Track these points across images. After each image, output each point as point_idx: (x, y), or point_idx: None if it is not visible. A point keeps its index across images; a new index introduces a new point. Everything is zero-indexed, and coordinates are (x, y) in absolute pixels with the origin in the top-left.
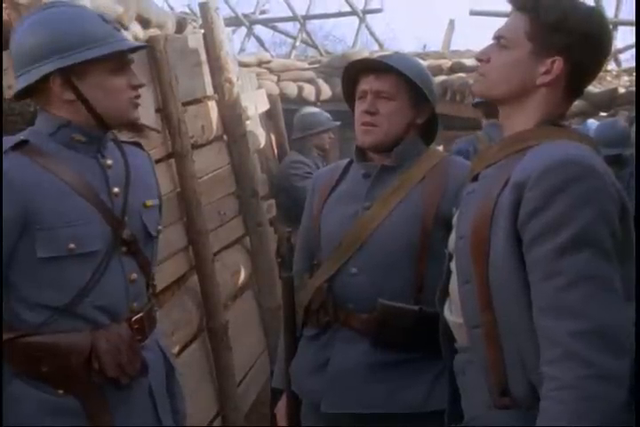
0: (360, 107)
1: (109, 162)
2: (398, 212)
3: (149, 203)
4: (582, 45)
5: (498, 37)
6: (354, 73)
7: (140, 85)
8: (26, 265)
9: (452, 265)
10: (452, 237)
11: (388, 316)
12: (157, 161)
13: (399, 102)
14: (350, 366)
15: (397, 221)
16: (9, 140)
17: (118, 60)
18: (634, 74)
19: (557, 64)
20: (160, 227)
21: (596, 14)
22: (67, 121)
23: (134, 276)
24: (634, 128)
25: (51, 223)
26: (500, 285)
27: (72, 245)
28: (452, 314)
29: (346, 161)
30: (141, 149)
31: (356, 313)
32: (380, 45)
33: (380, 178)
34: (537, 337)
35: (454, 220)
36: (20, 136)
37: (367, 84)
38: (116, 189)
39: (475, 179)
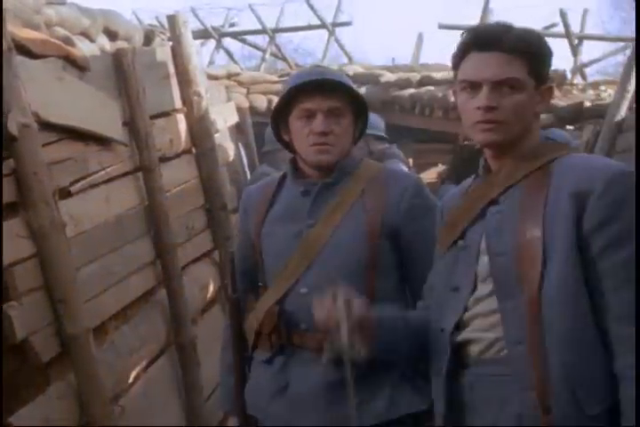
0: (306, 127)
1: None
2: (343, 228)
3: None
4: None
5: (505, 81)
6: (293, 94)
7: None
8: None
9: (484, 287)
10: (484, 259)
11: None
12: (125, 174)
13: (347, 119)
14: (310, 388)
15: (344, 237)
16: None
17: None
18: (600, 88)
19: (551, 90)
20: None
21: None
22: None
23: None
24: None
25: None
26: (553, 297)
27: None
28: (469, 330)
29: (277, 177)
30: None
31: (309, 333)
32: (350, 58)
33: (321, 195)
34: (583, 350)
35: (472, 242)
36: None
37: (314, 103)
38: None
39: (492, 202)
